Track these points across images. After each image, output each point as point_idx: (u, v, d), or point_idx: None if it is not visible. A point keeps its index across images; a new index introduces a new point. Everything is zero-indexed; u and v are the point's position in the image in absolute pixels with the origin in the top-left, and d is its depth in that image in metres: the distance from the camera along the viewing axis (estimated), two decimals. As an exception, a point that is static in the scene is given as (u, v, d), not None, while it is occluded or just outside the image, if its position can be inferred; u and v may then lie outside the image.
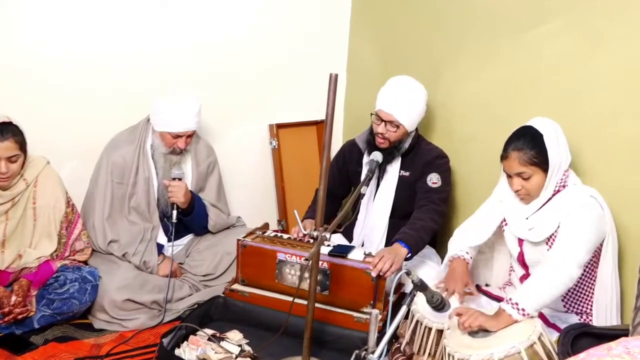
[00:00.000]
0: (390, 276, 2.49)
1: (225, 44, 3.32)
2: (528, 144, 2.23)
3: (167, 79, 3.12)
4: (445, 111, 3.11)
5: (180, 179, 2.85)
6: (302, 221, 2.74)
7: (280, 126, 3.54)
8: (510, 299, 2.08)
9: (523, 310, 2.04)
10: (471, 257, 2.48)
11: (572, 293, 2.30)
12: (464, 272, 2.42)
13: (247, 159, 3.53)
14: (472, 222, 2.53)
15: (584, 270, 2.24)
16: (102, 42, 2.98)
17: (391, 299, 2.12)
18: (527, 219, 2.32)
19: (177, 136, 2.81)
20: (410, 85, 2.84)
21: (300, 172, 3.66)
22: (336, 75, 2.02)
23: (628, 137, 2.30)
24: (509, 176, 2.32)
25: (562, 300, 2.31)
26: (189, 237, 3.09)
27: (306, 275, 2.48)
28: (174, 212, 2.81)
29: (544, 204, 2.29)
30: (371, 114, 2.84)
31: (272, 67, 3.48)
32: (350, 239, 3.05)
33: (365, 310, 2.50)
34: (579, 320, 2.28)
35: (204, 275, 2.95)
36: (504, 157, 2.29)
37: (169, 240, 2.89)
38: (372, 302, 2.48)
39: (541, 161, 2.22)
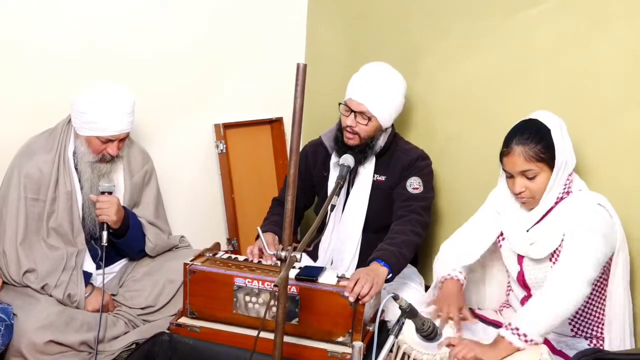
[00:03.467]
0: (368, 302, 2.50)
1: (161, 28, 3.28)
2: (534, 137, 2.27)
3: (90, 69, 3.06)
4: (425, 106, 3.15)
5: (110, 193, 2.80)
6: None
7: (227, 126, 3.51)
8: (510, 324, 2.12)
9: (525, 336, 2.08)
10: (465, 278, 2.51)
11: (581, 315, 2.35)
12: (459, 294, 2.45)
13: (189, 166, 3.50)
14: (464, 235, 2.57)
15: (593, 289, 2.29)
16: (5, 23, 2.90)
17: (377, 326, 2.13)
18: (527, 231, 2.36)
19: (108, 140, 2.75)
20: (386, 73, 2.88)
21: (254, 180, 3.64)
22: (304, 66, 2.02)
23: (638, 131, 2.37)
24: (510, 176, 2.35)
25: (570, 324, 2.36)
26: (122, 263, 3.03)
27: (271, 303, 2.47)
28: (104, 234, 2.75)
29: (546, 213, 2.34)
30: (339, 104, 2.87)
31: (217, 57, 3.46)
32: (315, 257, 3.06)
33: (340, 340, 2.50)
34: (589, 345, 2.33)
35: (142, 309, 2.89)
36: (505, 153, 2.32)
37: (98, 267, 2.84)
38: (350, 330, 2.48)
39: (548, 157, 2.26)
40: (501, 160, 2.36)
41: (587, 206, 2.27)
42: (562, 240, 2.27)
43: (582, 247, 2.18)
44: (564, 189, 2.32)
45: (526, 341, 2.08)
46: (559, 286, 2.13)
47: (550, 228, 2.31)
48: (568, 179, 2.32)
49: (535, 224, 2.36)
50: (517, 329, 2.09)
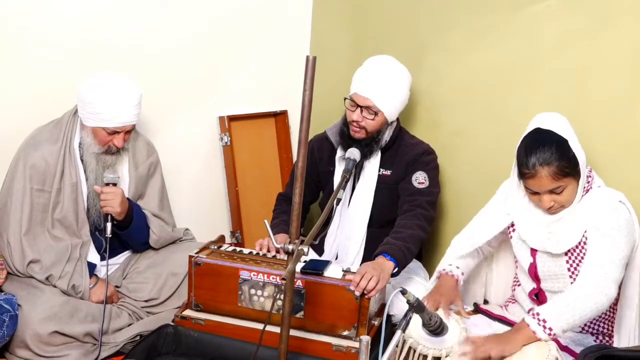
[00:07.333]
0: (374, 296, 2.49)
1: (166, 20, 3.26)
2: (555, 155, 2.18)
3: (93, 61, 3.04)
4: (431, 100, 3.13)
5: (115, 184, 2.79)
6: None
7: (232, 119, 3.50)
8: (538, 314, 2.10)
9: (550, 329, 2.06)
10: (463, 273, 2.50)
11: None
12: (451, 288, 2.44)
13: (193, 158, 3.49)
14: (473, 224, 2.55)
15: None
16: (12, 13, 2.88)
17: (384, 321, 2.12)
18: (546, 226, 2.33)
19: (114, 132, 2.74)
20: (391, 67, 2.86)
21: (257, 173, 3.63)
22: (314, 59, 2.02)
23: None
24: (534, 193, 2.29)
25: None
26: (126, 255, 3.03)
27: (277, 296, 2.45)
28: (109, 225, 2.74)
29: None
30: (345, 98, 2.85)
31: (222, 49, 3.45)
32: (320, 251, 3.04)
33: (345, 334, 2.50)
34: (595, 341, 2.33)
35: (146, 301, 2.89)
36: (528, 175, 2.23)
37: (102, 258, 2.83)
38: (355, 324, 2.47)
39: (573, 168, 2.21)
40: (522, 179, 2.28)
41: (609, 204, 2.24)
42: (583, 236, 2.26)
43: (610, 248, 2.16)
44: (586, 186, 2.29)
45: (549, 334, 2.07)
46: (591, 288, 2.10)
47: (570, 224, 2.28)
48: (589, 175, 2.29)
49: (555, 220, 2.32)
50: (545, 321, 2.08)
